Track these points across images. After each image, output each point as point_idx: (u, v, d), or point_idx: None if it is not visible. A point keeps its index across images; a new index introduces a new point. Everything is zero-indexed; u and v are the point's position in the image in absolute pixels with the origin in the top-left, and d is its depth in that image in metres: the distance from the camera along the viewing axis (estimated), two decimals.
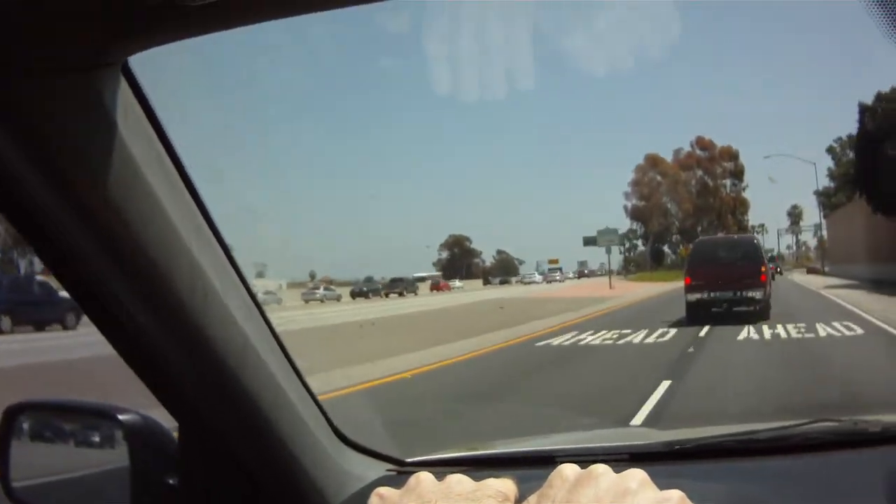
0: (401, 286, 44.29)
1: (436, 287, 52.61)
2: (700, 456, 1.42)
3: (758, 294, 14.84)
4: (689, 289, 15.37)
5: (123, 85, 0.83)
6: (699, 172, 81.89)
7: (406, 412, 7.46)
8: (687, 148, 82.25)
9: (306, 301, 37.65)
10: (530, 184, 75.83)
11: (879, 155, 23.28)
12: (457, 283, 58.47)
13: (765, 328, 13.06)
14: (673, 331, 13.83)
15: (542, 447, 1.67)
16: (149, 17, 0.73)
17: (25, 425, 1.26)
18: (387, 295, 42.85)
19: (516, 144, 79.28)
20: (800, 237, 78.50)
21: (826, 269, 48.01)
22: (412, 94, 76.20)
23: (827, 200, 60.30)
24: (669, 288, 29.72)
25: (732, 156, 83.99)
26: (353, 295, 42.35)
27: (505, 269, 63.27)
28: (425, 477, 0.61)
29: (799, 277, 38.84)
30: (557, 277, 54.58)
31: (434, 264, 71.14)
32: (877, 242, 28.49)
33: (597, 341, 13.25)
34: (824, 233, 53.33)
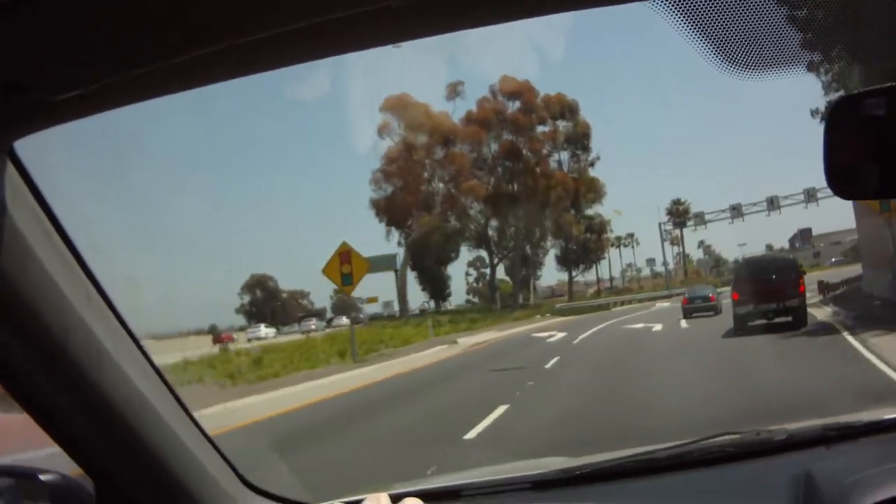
0: None
1: (218, 339, 39.73)
2: (599, 479, 1.46)
3: (796, 303, 16.68)
4: (737, 303, 17.30)
5: (10, 169, 0.90)
6: (505, 135, 44.29)
7: None
8: (484, 92, 44.23)
9: None
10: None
11: None
12: (234, 336, 43.45)
13: None
14: None
15: (448, 483, 1.70)
16: (25, 110, 0.81)
17: None
18: None
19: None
20: (682, 247, 46.67)
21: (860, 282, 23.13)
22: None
23: None
24: None
25: (568, 108, 45.50)
26: None
27: (344, 310, 47.08)
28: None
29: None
30: (312, 326, 45.76)
31: (237, 310, 59.23)
32: None
33: None
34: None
